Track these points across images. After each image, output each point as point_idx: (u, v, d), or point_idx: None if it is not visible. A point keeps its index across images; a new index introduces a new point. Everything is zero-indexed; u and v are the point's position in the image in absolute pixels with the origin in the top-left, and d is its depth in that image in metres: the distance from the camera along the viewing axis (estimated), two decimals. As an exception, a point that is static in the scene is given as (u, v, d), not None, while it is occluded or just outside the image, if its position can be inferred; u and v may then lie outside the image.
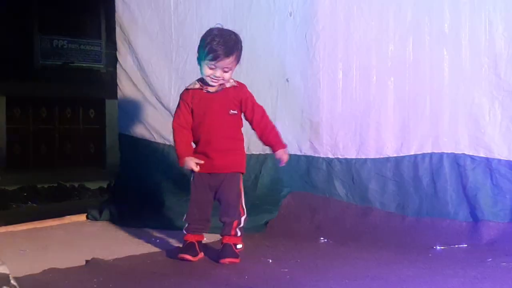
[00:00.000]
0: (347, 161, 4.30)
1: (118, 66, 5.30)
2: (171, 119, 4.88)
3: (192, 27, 4.84)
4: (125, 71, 5.23)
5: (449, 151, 4.00)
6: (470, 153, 3.94)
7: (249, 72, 4.70)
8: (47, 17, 16.73)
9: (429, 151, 4.06)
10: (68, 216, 4.91)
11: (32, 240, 4.14)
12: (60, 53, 16.99)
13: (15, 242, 4.07)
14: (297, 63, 4.48)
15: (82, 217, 4.93)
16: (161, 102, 5.01)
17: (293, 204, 4.33)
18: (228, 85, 3.43)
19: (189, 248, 3.42)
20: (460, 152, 3.97)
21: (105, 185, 10.62)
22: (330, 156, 4.37)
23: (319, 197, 4.31)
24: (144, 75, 5.11)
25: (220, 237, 3.45)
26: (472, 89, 3.95)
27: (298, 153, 4.48)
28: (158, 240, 4.01)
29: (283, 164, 3.52)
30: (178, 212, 4.53)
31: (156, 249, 3.71)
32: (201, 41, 3.45)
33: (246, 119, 3.50)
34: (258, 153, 4.65)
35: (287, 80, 4.56)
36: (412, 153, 4.10)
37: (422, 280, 2.95)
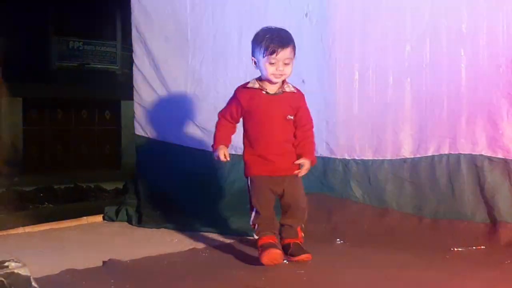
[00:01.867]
0: (364, 163, 4.28)
1: (134, 67, 5.32)
2: (188, 120, 4.96)
3: (208, 28, 4.85)
4: (141, 72, 5.24)
5: (466, 152, 3.97)
6: (488, 154, 3.90)
7: (265, 73, 4.70)
8: (63, 19, 16.84)
9: (446, 152, 4.02)
10: (85, 217, 4.94)
11: (50, 240, 4.17)
12: (76, 54, 17.09)
13: (33, 242, 4.11)
14: (313, 64, 4.47)
15: (99, 218, 4.96)
16: (177, 104, 5.02)
17: (309, 205, 4.30)
18: (287, 89, 3.41)
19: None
20: (477, 153, 3.93)
21: (121, 186, 10.63)
22: (347, 157, 4.35)
23: (335, 199, 4.29)
24: (160, 76, 5.12)
25: (281, 239, 3.41)
26: (490, 89, 3.91)
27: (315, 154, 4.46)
28: (175, 241, 4.02)
29: (301, 174, 3.42)
30: (195, 213, 4.56)
31: (173, 250, 3.72)
32: (253, 43, 3.42)
33: (295, 125, 3.46)
34: (274, 154, 4.65)
35: (303, 81, 4.53)
36: (429, 154, 4.07)
37: (440, 282, 2.93)
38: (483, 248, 3.64)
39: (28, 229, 4.56)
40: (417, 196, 4.08)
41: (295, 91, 3.45)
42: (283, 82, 3.43)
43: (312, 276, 3.05)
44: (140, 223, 4.66)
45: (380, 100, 4.25)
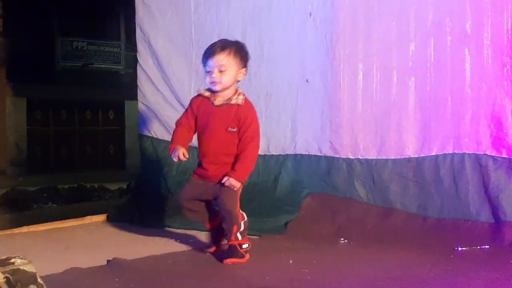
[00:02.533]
0: (368, 162, 4.28)
1: (138, 67, 5.33)
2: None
3: (212, 29, 4.85)
4: (145, 72, 5.25)
5: (470, 152, 3.97)
6: (492, 154, 3.90)
7: (269, 73, 4.71)
8: (67, 19, 16.87)
9: (451, 152, 4.03)
10: (89, 216, 4.95)
11: (54, 240, 4.17)
12: (80, 54, 17.12)
13: (37, 242, 4.11)
14: (317, 64, 4.47)
15: (103, 217, 4.96)
16: (181, 103, 5.02)
17: (313, 205, 4.31)
18: (233, 101, 3.37)
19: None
20: (482, 153, 3.93)
21: (124, 186, 10.68)
22: (351, 156, 4.35)
23: (339, 198, 4.29)
24: (164, 76, 5.13)
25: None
26: (494, 89, 3.91)
27: (318, 153, 4.47)
28: (178, 240, 4.02)
29: (225, 183, 3.34)
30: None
31: (177, 249, 3.72)
32: None
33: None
34: (277, 153, 4.66)
35: (307, 81, 4.55)
36: (433, 153, 4.08)
37: (444, 281, 2.93)
38: (487, 248, 3.63)
39: (32, 228, 4.58)
40: (422, 196, 4.08)
41: (242, 103, 3.38)
42: (235, 92, 3.40)
43: (316, 276, 3.05)
44: (144, 222, 4.66)
45: (384, 99, 4.26)
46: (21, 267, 2.30)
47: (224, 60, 3.30)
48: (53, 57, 16.93)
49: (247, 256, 3.39)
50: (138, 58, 5.33)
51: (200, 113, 3.43)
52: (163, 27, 5.13)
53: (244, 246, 3.40)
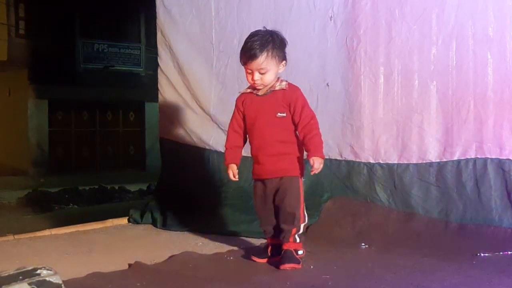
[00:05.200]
0: (389, 166, 4.25)
1: (159, 70, 5.35)
2: (211, 123, 4.97)
3: (233, 32, 4.86)
4: (166, 75, 5.27)
5: (493, 157, 3.93)
6: (516, 159, 3.86)
7: (289, 76, 4.66)
8: (89, 22, 17.00)
9: (473, 157, 3.99)
10: (110, 219, 4.98)
11: (76, 243, 4.21)
12: (101, 57, 17.26)
13: (60, 245, 4.15)
14: (337, 67, 4.46)
15: (124, 220, 5.00)
16: (201, 107, 5.04)
17: (334, 209, 4.30)
18: (277, 87, 3.37)
19: (261, 249, 3.51)
20: (505, 158, 3.89)
21: (145, 187, 10.76)
22: (371, 161, 4.33)
23: (360, 202, 4.27)
24: (185, 79, 5.15)
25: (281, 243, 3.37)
26: (517, 93, 3.87)
27: (339, 157, 4.46)
28: (199, 244, 4.03)
29: (313, 173, 3.30)
30: (219, 215, 4.57)
31: (199, 253, 3.73)
32: None
33: (293, 123, 3.37)
34: (298, 157, 4.64)
35: (328, 85, 4.54)
36: (456, 158, 4.04)
37: (467, 288, 2.90)
38: (510, 254, 3.59)
39: (54, 231, 4.62)
40: (443, 201, 4.04)
41: (286, 87, 3.38)
42: (277, 80, 3.40)
43: (338, 281, 3.03)
44: (165, 225, 4.69)
45: (406, 103, 4.23)
46: (47, 278, 2.34)
47: (264, 64, 3.31)
48: (74, 59, 17.08)
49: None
50: (159, 61, 5.35)
51: (247, 107, 3.43)
52: (183, 31, 5.15)
53: (300, 252, 3.35)
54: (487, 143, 3.95)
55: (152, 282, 3.02)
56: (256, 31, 3.45)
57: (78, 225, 4.80)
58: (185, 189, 4.99)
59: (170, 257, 3.53)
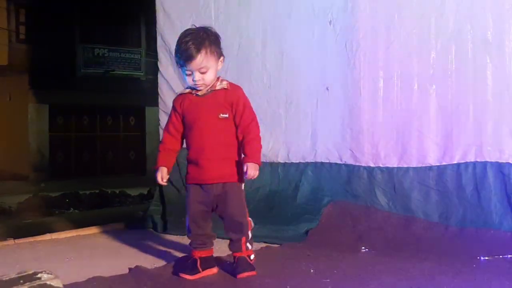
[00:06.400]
0: (389, 170, 4.26)
1: (159, 75, 5.36)
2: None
3: (233, 37, 4.87)
4: (166, 80, 5.29)
5: (493, 160, 3.94)
6: (515, 162, 3.87)
7: (289, 80, 4.72)
8: (89, 27, 17.03)
9: (473, 160, 4.00)
10: (110, 224, 4.99)
11: (76, 247, 4.21)
12: (101, 61, 17.28)
13: (60, 249, 4.15)
14: (337, 72, 4.47)
15: (124, 225, 5.00)
16: (201, 111, 5.04)
17: (334, 213, 4.31)
18: (218, 87, 3.19)
19: (189, 265, 3.22)
20: (504, 161, 3.90)
21: (145, 192, 10.77)
22: (371, 165, 4.34)
23: (360, 206, 4.28)
24: (185, 85, 5.13)
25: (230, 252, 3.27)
26: (517, 97, 3.88)
27: (339, 161, 4.47)
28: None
29: (247, 178, 3.10)
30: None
31: (198, 258, 3.72)
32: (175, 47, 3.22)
33: (235, 124, 3.19)
34: (297, 161, 4.66)
35: (327, 89, 4.55)
36: (455, 162, 4.05)
37: (466, 292, 2.91)
38: (510, 257, 3.59)
39: (54, 235, 4.63)
40: (443, 204, 4.05)
41: (227, 87, 3.20)
42: (217, 80, 3.21)
43: (338, 285, 3.04)
44: (165, 230, 4.69)
45: (405, 107, 4.24)
46: (48, 282, 2.34)
47: (204, 62, 3.11)
48: (74, 64, 17.11)
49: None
50: (159, 66, 5.37)
51: (185, 108, 3.23)
52: (183, 35, 5.15)
53: (252, 257, 3.25)
54: (486, 147, 3.96)
55: (153, 286, 3.02)
56: (187, 29, 3.24)
57: (79, 230, 4.81)
58: (184, 193, 4.98)
59: (170, 261, 3.53)
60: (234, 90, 3.22)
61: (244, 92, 3.27)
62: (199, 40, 3.12)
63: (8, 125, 16.74)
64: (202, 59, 3.10)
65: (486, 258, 3.59)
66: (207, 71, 3.14)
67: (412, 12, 4.20)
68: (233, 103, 3.17)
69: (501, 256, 3.60)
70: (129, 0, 15.83)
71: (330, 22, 4.50)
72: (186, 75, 3.17)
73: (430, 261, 3.51)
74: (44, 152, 16.59)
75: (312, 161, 4.60)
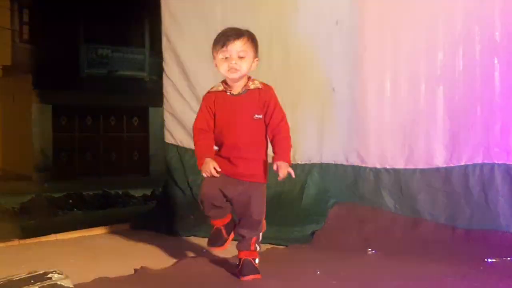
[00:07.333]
0: (395, 172, 4.24)
1: (164, 76, 5.35)
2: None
3: (239, 37, 4.84)
4: (171, 81, 5.28)
5: (500, 162, 3.92)
6: (523, 164, 3.85)
7: (295, 81, 4.70)
8: (92, 27, 17.05)
9: (480, 162, 3.98)
10: (115, 225, 4.98)
11: (81, 248, 4.20)
12: (104, 62, 17.29)
13: (65, 250, 4.14)
14: (344, 73, 4.46)
15: (128, 225, 4.98)
16: (207, 112, 5.02)
17: (340, 215, 4.29)
18: (252, 86, 3.17)
19: (216, 236, 3.29)
20: (512, 163, 3.88)
21: (149, 192, 10.75)
22: (378, 166, 4.32)
23: (366, 208, 4.26)
24: (190, 85, 5.15)
25: (236, 250, 3.26)
26: (525, 98, 3.86)
27: (345, 163, 4.45)
28: (204, 250, 4.02)
29: (280, 179, 3.10)
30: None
31: (203, 259, 3.71)
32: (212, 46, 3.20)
33: (264, 123, 3.19)
34: (303, 162, 4.64)
35: (334, 90, 4.53)
36: (463, 163, 4.03)
37: (475, 294, 2.89)
38: (518, 259, 3.58)
39: (60, 236, 4.62)
40: (450, 206, 4.03)
41: (261, 87, 3.18)
42: (248, 79, 3.20)
43: (344, 287, 3.02)
44: (169, 231, 4.67)
45: (412, 108, 4.22)
46: (59, 282, 2.35)
47: (244, 46, 3.11)
48: (78, 64, 17.12)
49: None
50: (164, 66, 5.35)
51: (219, 107, 3.19)
52: (189, 36, 5.15)
53: (257, 261, 3.24)
54: (494, 148, 3.94)
55: (158, 287, 3.01)
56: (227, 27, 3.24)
57: (83, 230, 4.80)
58: (189, 194, 4.99)
59: (176, 262, 3.52)
60: (267, 90, 3.21)
61: (274, 91, 3.23)
62: (241, 31, 3.16)
63: (11, 125, 16.76)
64: (242, 43, 3.11)
65: (493, 260, 3.57)
66: (245, 57, 3.12)
67: (419, 13, 4.19)
68: (266, 102, 3.17)
69: (508, 258, 3.59)
70: (133, 0, 15.84)
71: (337, 23, 4.48)
72: (222, 59, 3.11)
73: (437, 263, 3.50)
74: (48, 152, 16.59)
75: (318, 162, 4.58)
